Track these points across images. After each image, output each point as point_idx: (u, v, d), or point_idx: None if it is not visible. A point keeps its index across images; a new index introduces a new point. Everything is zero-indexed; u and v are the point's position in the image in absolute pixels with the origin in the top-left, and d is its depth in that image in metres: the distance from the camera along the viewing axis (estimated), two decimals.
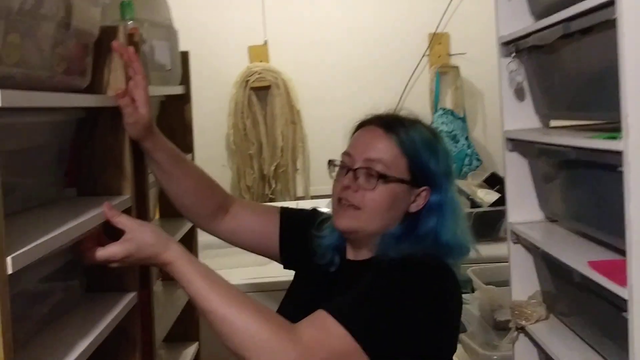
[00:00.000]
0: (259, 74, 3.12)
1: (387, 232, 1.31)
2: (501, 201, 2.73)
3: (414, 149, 1.32)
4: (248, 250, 1.53)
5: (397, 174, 1.30)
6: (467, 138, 3.18)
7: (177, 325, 1.78)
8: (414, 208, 1.32)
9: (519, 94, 1.57)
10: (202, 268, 1.16)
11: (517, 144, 1.55)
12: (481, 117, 3.31)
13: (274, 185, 3.20)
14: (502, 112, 1.60)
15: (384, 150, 1.31)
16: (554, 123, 1.56)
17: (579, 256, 1.25)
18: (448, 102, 3.25)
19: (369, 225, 1.29)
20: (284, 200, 3.13)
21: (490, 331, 2.01)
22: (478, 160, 3.17)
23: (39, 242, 0.89)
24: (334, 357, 1.11)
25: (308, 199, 3.15)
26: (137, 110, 1.29)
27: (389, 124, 1.34)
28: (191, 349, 1.91)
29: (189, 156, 1.90)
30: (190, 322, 1.95)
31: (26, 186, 1.13)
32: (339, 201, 1.32)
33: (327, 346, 1.11)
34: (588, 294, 1.26)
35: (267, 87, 3.14)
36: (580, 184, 1.35)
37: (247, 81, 3.12)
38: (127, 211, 1.28)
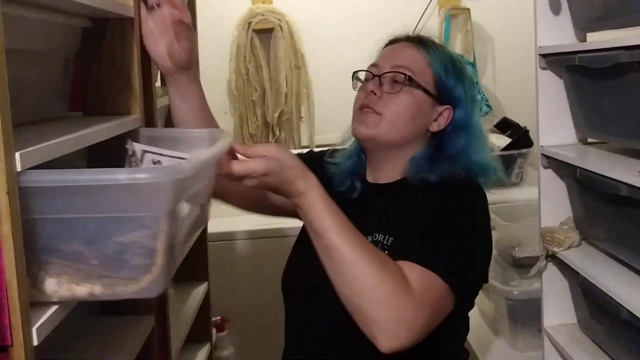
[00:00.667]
0: (262, 15, 2.99)
1: (417, 155, 1.28)
2: (513, 146, 2.69)
3: (442, 65, 1.30)
4: (260, 212, 1.49)
5: (423, 83, 1.27)
6: (476, 83, 3.08)
7: (186, 265, 1.71)
8: (435, 127, 1.29)
9: (554, 5, 1.47)
10: (334, 206, 1.07)
11: (551, 60, 1.46)
12: (491, 62, 3.20)
13: (278, 134, 3.09)
14: (536, 27, 1.51)
15: (412, 59, 1.29)
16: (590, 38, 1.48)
17: (627, 168, 1.17)
18: (457, 47, 3.14)
19: (389, 134, 1.26)
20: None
21: (508, 268, 1.96)
22: (488, 106, 3.08)
23: (49, 142, 0.80)
24: (437, 306, 1.07)
25: (313, 148, 3.06)
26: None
27: (419, 39, 1.34)
28: (200, 289, 1.84)
29: None
30: (200, 262, 1.88)
31: (31, 97, 1.03)
32: (360, 108, 1.28)
33: (430, 298, 1.06)
34: (635, 210, 1.19)
35: (271, 30, 3.02)
36: (627, 94, 1.26)
37: (250, 23, 2.99)
38: (135, 131, 1.19)
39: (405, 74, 1.26)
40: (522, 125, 2.73)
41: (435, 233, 1.14)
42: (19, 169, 0.72)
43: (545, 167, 1.48)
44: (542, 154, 1.48)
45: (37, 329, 0.75)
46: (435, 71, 1.29)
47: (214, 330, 2.06)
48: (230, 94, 3.09)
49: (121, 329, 1.17)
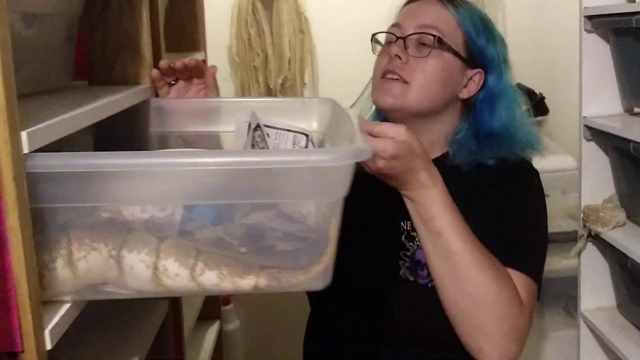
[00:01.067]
0: None
1: (459, 135, 1.18)
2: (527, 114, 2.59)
3: (472, 24, 1.18)
4: None
5: (452, 45, 1.15)
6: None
7: None
8: (465, 94, 1.18)
9: None
10: (455, 205, 0.97)
11: (597, 22, 1.35)
12: (501, 24, 3.08)
13: None
14: None
15: (439, 18, 1.17)
16: None
17: None
18: None
19: (418, 103, 1.14)
20: None
21: None
22: None
23: (59, 118, 0.70)
24: (533, 309, 1.01)
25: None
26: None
27: None
28: None
29: (200, 54, 1.70)
30: None
31: (31, 66, 0.93)
32: (383, 75, 1.16)
33: (532, 303, 1.00)
34: None
35: None
36: None
37: None
38: (146, 102, 1.09)
39: (434, 35, 1.14)
40: (537, 91, 2.63)
41: (513, 229, 1.05)
42: (26, 150, 0.62)
43: (587, 140, 1.38)
44: (584, 125, 1.38)
45: (50, 331, 0.67)
46: (465, 31, 1.17)
47: None
48: (231, 60, 2.96)
49: (136, 317, 1.09)
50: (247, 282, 0.72)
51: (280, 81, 2.95)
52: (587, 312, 1.42)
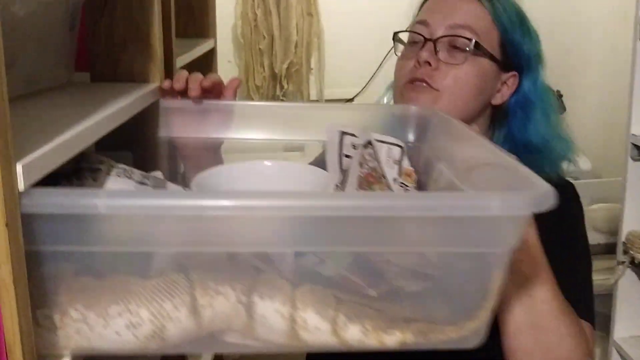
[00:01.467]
0: None
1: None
2: None
3: (508, 20, 1.03)
4: None
5: (488, 48, 1.01)
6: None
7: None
8: (498, 99, 1.05)
9: None
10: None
11: None
12: None
13: (285, 86, 2.85)
14: None
15: (474, 15, 1.02)
16: None
17: None
18: None
19: (448, 113, 0.99)
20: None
21: None
22: None
23: (61, 139, 0.57)
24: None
25: (322, 103, 2.84)
26: None
27: None
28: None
29: (210, 42, 1.57)
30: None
31: (27, 61, 0.80)
32: (410, 83, 1.02)
33: (592, 350, 0.89)
34: None
35: None
36: None
37: None
38: (155, 105, 0.97)
39: (469, 39, 1.01)
40: (554, 89, 2.52)
41: (573, 273, 0.93)
42: (21, 188, 0.50)
43: (635, 160, 1.27)
44: (632, 143, 1.26)
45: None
46: (501, 28, 1.03)
47: None
48: (236, 41, 2.83)
49: None
50: (392, 339, 0.61)
51: (285, 66, 2.82)
52: (620, 341, 1.34)
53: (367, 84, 2.80)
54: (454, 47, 1.02)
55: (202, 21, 1.56)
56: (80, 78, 1.00)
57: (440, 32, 1.02)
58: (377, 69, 2.74)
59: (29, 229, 0.51)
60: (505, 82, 1.05)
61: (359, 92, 2.81)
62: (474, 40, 1.01)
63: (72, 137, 0.60)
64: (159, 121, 0.98)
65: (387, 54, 2.58)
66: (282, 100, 2.84)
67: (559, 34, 2.68)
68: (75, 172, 0.73)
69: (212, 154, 1.02)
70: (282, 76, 2.83)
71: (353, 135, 0.90)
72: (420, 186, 0.90)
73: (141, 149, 0.98)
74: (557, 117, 1.09)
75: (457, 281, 0.63)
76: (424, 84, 1.01)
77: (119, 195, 0.57)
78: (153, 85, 0.96)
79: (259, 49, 2.80)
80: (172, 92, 0.97)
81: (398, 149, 0.89)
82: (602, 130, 2.66)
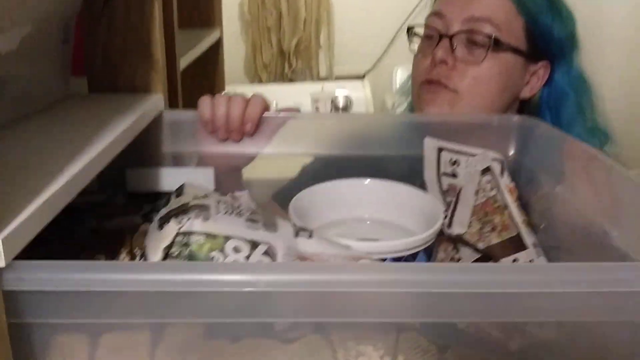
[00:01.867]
0: None
1: None
2: None
3: (534, 4, 0.95)
4: None
5: (512, 41, 0.93)
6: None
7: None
8: (527, 92, 0.97)
9: None
10: None
11: None
12: None
13: (294, 64, 2.77)
14: None
15: (493, 4, 0.93)
16: None
17: None
18: None
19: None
20: (305, 81, 2.75)
21: None
22: None
23: (49, 193, 0.51)
24: None
25: (332, 80, 2.76)
26: None
27: None
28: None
29: (215, 33, 1.50)
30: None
31: (21, 81, 0.73)
32: (427, 83, 0.95)
33: None
34: None
35: None
36: None
37: None
38: (158, 117, 0.91)
39: (489, 35, 0.92)
40: None
41: None
42: (3, 264, 0.44)
43: None
44: None
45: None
46: (526, 16, 0.94)
47: None
48: (243, 18, 2.74)
49: None
50: None
51: (294, 42, 2.74)
52: None
53: (378, 59, 2.71)
54: (472, 43, 0.94)
55: (207, 9, 1.48)
56: (78, 85, 0.94)
57: (456, 27, 0.94)
58: (389, 44, 2.65)
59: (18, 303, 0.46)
60: (534, 73, 0.97)
61: (370, 69, 2.73)
62: (493, 36, 0.93)
63: (67, 184, 0.54)
64: (162, 135, 0.92)
65: (399, 29, 2.49)
66: (290, 80, 2.77)
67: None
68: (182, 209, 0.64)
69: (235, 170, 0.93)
70: (290, 53, 2.75)
71: (452, 151, 0.83)
72: (522, 204, 0.82)
73: (141, 165, 0.91)
74: (592, 110, 1.01)
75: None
76: (441, 85, 0.94)
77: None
78: (155, 96, 0.90)
79: (267, 26, 2.71)
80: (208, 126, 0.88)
81: (498, 163, 0.81)
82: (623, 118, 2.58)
